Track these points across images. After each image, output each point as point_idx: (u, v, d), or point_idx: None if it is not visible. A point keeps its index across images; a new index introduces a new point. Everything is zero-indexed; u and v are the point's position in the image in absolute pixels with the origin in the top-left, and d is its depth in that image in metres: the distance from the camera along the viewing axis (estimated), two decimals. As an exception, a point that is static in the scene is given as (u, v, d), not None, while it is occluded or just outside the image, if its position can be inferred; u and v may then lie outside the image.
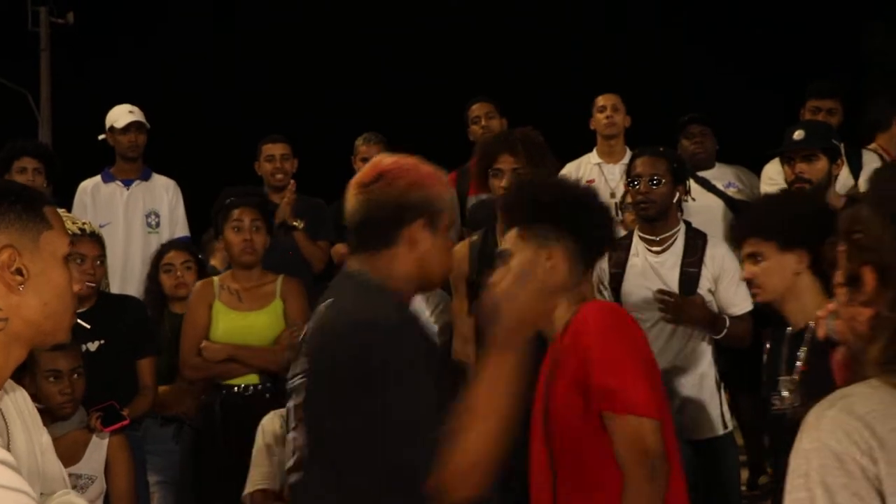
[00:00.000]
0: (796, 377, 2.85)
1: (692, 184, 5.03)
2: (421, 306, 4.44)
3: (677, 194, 4.31)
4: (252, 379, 4.28)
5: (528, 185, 2.98)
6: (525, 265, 2.12)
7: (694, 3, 19.67)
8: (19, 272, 1.70)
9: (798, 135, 4.30)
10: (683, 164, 4.58)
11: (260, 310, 4.44)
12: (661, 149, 4.49)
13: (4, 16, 18.99)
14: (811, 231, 2.85)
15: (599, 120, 5.83)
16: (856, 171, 5.47)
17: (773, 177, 5.56)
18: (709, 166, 5.74)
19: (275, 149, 5.82)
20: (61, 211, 5.08)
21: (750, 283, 3.01)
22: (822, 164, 4.26)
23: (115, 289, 5.27)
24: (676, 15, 19.93)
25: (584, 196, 2.89)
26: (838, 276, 1.71)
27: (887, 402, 1.48)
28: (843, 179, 5.42)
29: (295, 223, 5.49)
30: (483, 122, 5.77)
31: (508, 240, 2.77)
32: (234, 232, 4.43)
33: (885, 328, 1.52)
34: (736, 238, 3.12)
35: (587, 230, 2.76)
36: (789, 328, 2.97)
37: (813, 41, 17.43)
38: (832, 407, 1.50)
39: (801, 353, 2.85)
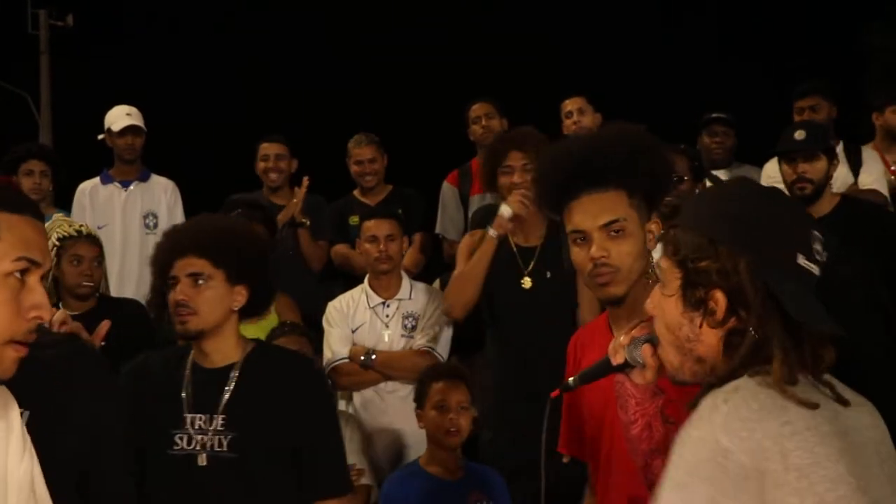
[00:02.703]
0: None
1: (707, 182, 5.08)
2: (421, 308, 4.44)
3: (697, 191, 4.36)
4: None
5: (627, 143, 2.36)
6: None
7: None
8: None
9: (799, 134, 4.34)
10: (703, 162, 4.60)
11: (256, 323, 4.40)
12: (683, 146, 4.50)
13: (4, 18, 18.99)
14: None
15: (568, 126, 5.82)
16: (855, 168, 5.48)
17: (772, 175, 5.56)
18: (725, 165, 5.79)
19: (270, 148, 5.79)
20: (59, 215, 5.05)
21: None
22: (822, 163, 4.31)
23: (112, 290, 5.25)
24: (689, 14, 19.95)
25: (642, 144, 2.40)
26: (674, 303, 1.72)
27: (771, 398, 1.58)
28: (843, 177, 5.43)
29: (304, 220, 5.48)
30: (483, 122, 5.76)
31: (612, 208, 2.28)
32: None
33: (772, 345, 1.64)
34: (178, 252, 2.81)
35: (651, 183, 2.34)
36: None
37: (811, 40, 17.42)
38: (726, 402, 1.58)
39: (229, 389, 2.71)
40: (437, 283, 5.28)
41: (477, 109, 5.85)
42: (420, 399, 3.79)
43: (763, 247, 1.66)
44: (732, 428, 1.55)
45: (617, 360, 1.94)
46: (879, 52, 17.25)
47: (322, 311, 4.62)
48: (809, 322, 1.65)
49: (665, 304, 1.75)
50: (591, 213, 2.26)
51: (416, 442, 4.05)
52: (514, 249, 4.19)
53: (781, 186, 5.42)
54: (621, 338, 1.94)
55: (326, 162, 6.41)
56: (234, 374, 2.72)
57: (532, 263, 4.14)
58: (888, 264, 4.22)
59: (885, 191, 5.39)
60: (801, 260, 1.68)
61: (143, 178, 5.89)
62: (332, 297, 4.70)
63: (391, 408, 4.32)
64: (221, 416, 2.66)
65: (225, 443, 2.63)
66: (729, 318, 1.67)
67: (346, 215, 5.80)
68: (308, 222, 5.49)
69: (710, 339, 1.70)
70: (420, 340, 4.39)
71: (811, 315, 1.66)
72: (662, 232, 1.81)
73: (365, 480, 3.90)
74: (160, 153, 6.62)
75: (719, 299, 1.67)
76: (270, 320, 4.42)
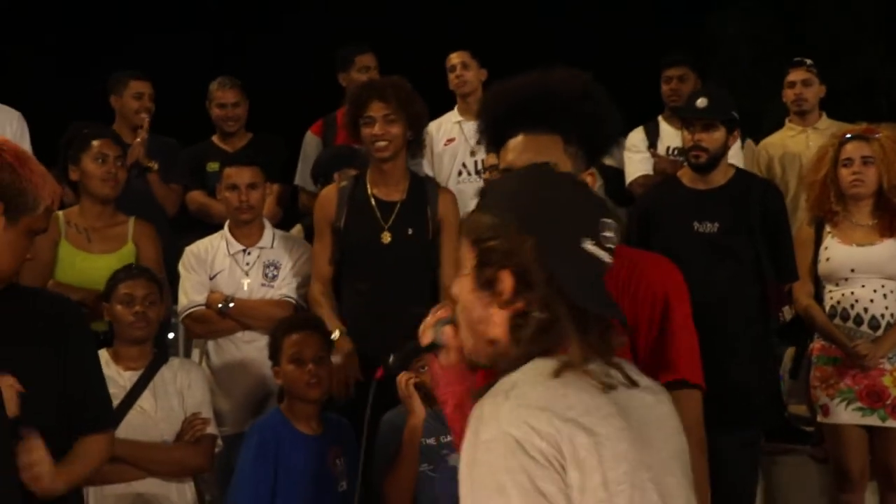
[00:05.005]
0: None
1: None
2: (283, 258, 4.32)
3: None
4: (101, 326, 3.99)
5: (563, 86, 2.33)
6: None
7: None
8: None
9: (701, 102, 4.34)
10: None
11: (111, 253, 4.20)
12: None
13: None
14: None
15: (452, 79, 5.81)
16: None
17: (636, 144, 5.66)
18: None
19: (144, 87, 5.56)
20: None
21: None
22: (719, 133, 4.31)
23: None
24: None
25: (588, 90, 2.35)
26: (466, 283, 1.75)
27: (551, 387, 1.61)
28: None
29: (149, 164, 5.26)
30: (369, 74, 5.61)
31: (543, 150, 2.26)
32: (97, 163, 4.21)
33: (560, 329, 1.66)
34: None
35: (593, 131, 2.30)
36: None
37: (663, 25, 17.92)
38: (507, 399, 1.60)
39: None
40: (296, 229, 5.16)
41: (367, 59, 5.71)
42: (275, 354, 3.65)
43: (549, 229, 1.69)
44: (520, 419, 1.57)
45: (425, 340, 1.96)
46: (719, 40, 17.95)
47: (175, 258, 4.44)
48: (591, 307, 1.67)
49: (461, 285, 1.77)
50: (524, 153, 2.25)
51: (274, 392, 3.93)
52: (374, 203, 4.08)
53: (644, 156, 5.55)
54: (428, 318, 1.96)
55: (183, 105, 6.18)
56: None
57: (392, 218, 4.03)
58: (772, 238, 4.33)
59: (741, 165, 5.53)
60: (588, 245, 1.70)
61: (-13, 107, 5.53)
62: (187, 245, 4.50)
63: (248, 357, 4.18)
64: None
65: None
66: (516, 300, 1.69)
67: (203, 161, 5.60)
68: (155, 166, 5.27)
69: (499, 321, 1.71)
70: (281, 290, 4.25)
71: (593, 300, 1.68)
72: (464, 216, 1.82)
73: (210, 430, 3.76)
74: (6, 81, 6.25)
75: (506, 279, 1.69)
76: (128, 249, 4.23)
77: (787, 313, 4.54)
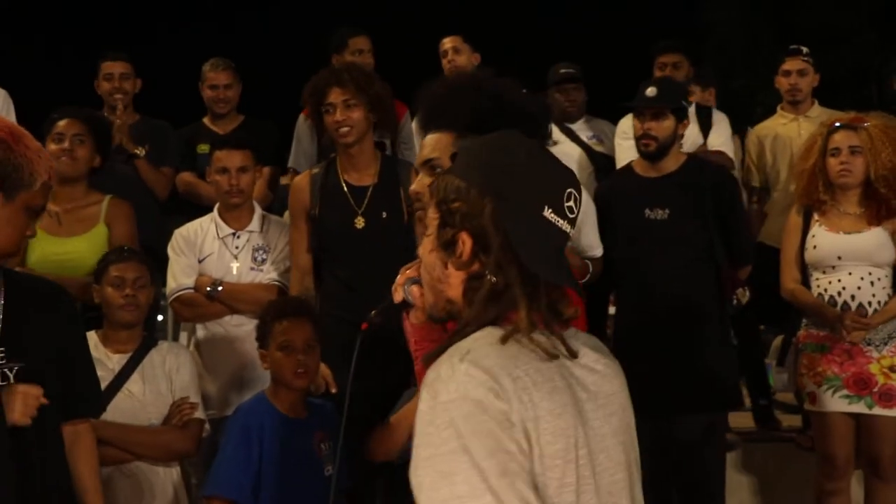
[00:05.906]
0: None
1: (555, 128, 5.16)
2: (272, 242, 4.31)
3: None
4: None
5: (454, 84, 2.50)
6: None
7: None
8: None
9: (650, 91, 4.40)
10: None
11: (80, 235, 4.17)
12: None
13: None
14: None
15: (444, 64, 5.80)
16: (705, 130, 5.61)
17: (626, 130, 5.65)
18: (576, 119, 5.82)
19: (114, 67, 5.52)
20: None
21: None
22: (669, 122, 4.37)
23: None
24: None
25: (519, 96, 2.42)
26: (429, 243, 1.80)
27: (503, 355, 1.64)
28: (693, 137, 5.56)
29: (136, 150, 5.22)
30: (363, 57, 5.57)
31: (433, 147, 2.34)
32: (55, 142, 4.19)
33: (492, 290, 1.71)
34: None
35: (481, 126, 2.23)
36: None
37: (659, 10, 17.90)
38: (462, 361, 1.63)
39: None
40: (287, 215, 5.15)
41: (359, 42, 5.67)
42: (263, 339, 3.61)
43: (509, 194, 1.71)
44: (477, 381, 1.60)
45: (396, 298, 2.05)
46: (715, 24, 17.93)
47: (164, 241, 4.43)
48: (541, 272, 1.70)
49: (425, 245, 1.81)
50: (424, 149, 2.35)
51: (261, 376, 3.94)
52: (346, 189, 4.06)
53: (634, 143, 5.55)
54: (399, 276, 2.03)
55: (174, 86, 6.16)
56: None
57: (365, 203, 4.02)
58: (724, 223, 4.36)
59: (731, 153, 5.55)
60: (548, 213, 1.72)
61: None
62: (176, 227, 4.49)
63: (236, 341, 4.18)
64: (0, 349, 2.53)
65: (11, 375, 2.51)
66: (473, 262, 1.73)
67: (194, 143, 5.58)
68: (141, 151, 5.24)
69: (456, 281, 1.76)
70: (269, 274, 4.25)
71: (545, 267, 1.71)
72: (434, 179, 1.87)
73: (198, 415, 3.76)
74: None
75: (465, 241, 1.73)
76: (98, 230, 4.20)
77: (742, 296, 4.55)
